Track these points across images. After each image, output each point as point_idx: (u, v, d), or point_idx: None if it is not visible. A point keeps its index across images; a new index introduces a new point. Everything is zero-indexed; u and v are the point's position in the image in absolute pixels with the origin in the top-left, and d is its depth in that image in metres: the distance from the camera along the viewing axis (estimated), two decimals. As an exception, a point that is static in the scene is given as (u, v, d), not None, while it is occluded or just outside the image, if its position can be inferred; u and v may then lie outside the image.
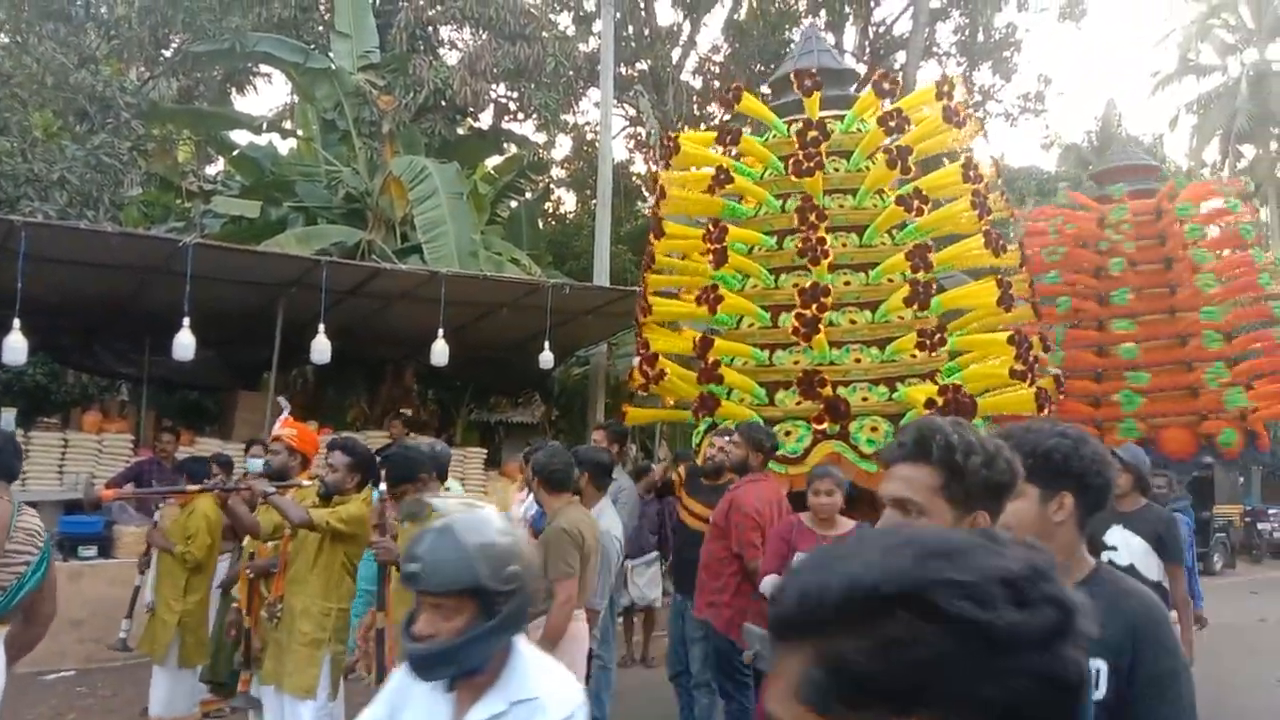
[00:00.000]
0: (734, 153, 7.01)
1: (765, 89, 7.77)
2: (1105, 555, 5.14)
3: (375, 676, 4.81)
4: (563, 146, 23.70)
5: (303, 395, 13.02)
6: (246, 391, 11.45)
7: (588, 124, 22.34)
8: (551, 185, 22.32)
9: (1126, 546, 5.29)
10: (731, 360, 6.63)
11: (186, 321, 8.45)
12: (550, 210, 23.06)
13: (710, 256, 6.47)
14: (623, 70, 20.11)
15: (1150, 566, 5.23)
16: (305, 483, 5.52)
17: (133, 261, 9.14)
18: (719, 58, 22.98)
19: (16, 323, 7.77)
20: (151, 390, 12.12)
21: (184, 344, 8.46)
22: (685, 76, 21.98)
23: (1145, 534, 5.31)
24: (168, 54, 14.13)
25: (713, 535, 5.81)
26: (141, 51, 13.18)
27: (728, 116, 7.62)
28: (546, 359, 10.57)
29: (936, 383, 6.31)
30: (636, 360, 7.06)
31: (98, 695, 7.74)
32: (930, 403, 5.99)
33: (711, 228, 6.50)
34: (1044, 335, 7.35)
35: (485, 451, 12.12)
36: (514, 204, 16.78)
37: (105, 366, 11.57)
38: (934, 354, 6.45)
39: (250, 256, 9.44)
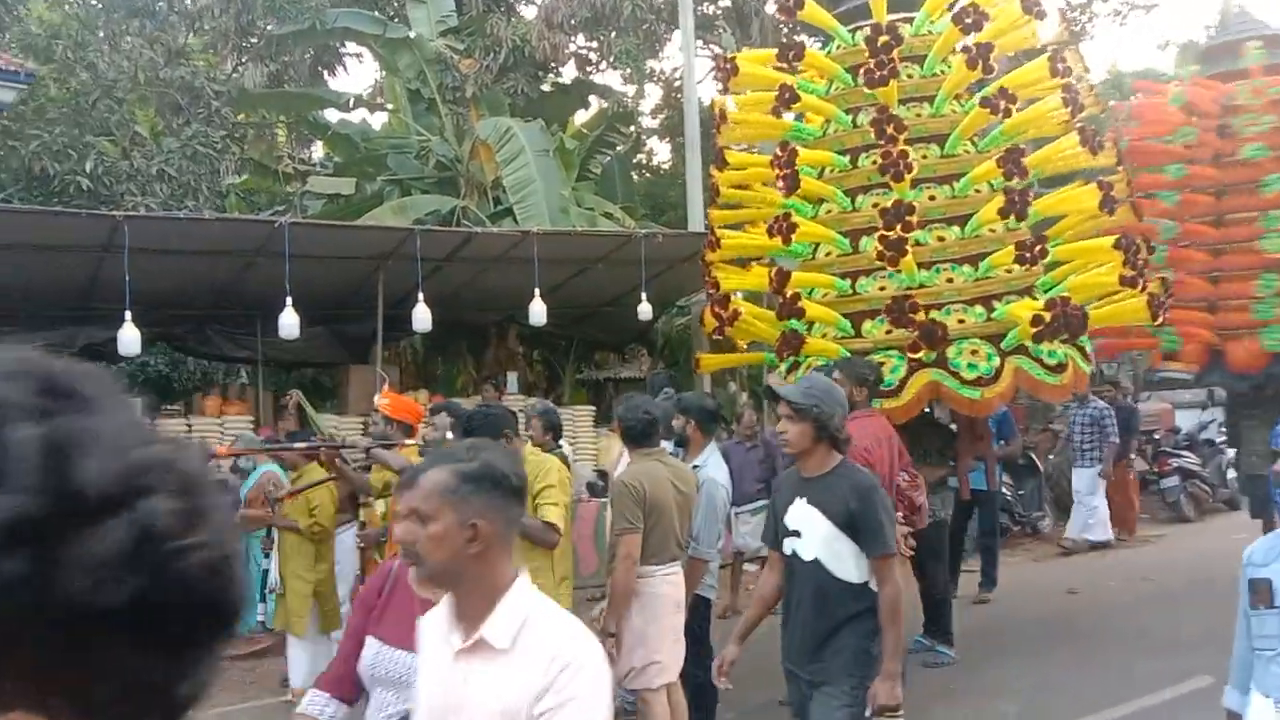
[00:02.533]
0: (797, 69, 6.66)
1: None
2: (788, 545, 3.84)
3: None
4: (653, 96, 23.36)
5: (412, 365, 13.23)
6: (357, 365, 11.64)
7: (676, 69, 21.93)
8: (642, 136, 22.04)
9: (812, 531, 3.75)
10: (812, 292, 6.35)
11: (289, 300, 8.60)
12: (644, 162, 22.80)
13: (780, 182, 6.16)
14: (704, 9, 19.64)
15: (842, 558, 3.68)
16: (409, 442, 5.58)
17: (234, 246, 9.34)
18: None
19: (128, 315, 8.00)
20: (269, 371, 12.46)
21: (289, 323, 8.62)
22: (770, 9, 21.35)
23: (832, 510, 3.70)
24: (255, 41, 14.34)
25: (823, 476, 5.63)
26: (228, 41, 13.40)
27: (788, 29, 7.24)
28: (645, 310, 10.44)
29: (1036, 298, 5.94)
30: (708, 303, 6.83)
31: (238, 668, 8.01)
32: (1037, 319, 5.65)
33: (780, 151, 6.19)
34: (1148, 237, 6.82)
35: (594, 409, 12.10)
36: (606, 158, 16.62)
37: (221, 351, 11.90)
38: (1032, 267, 6.08)
39: (344, 232, 9.57)
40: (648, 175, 21.69)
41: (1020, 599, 9.16)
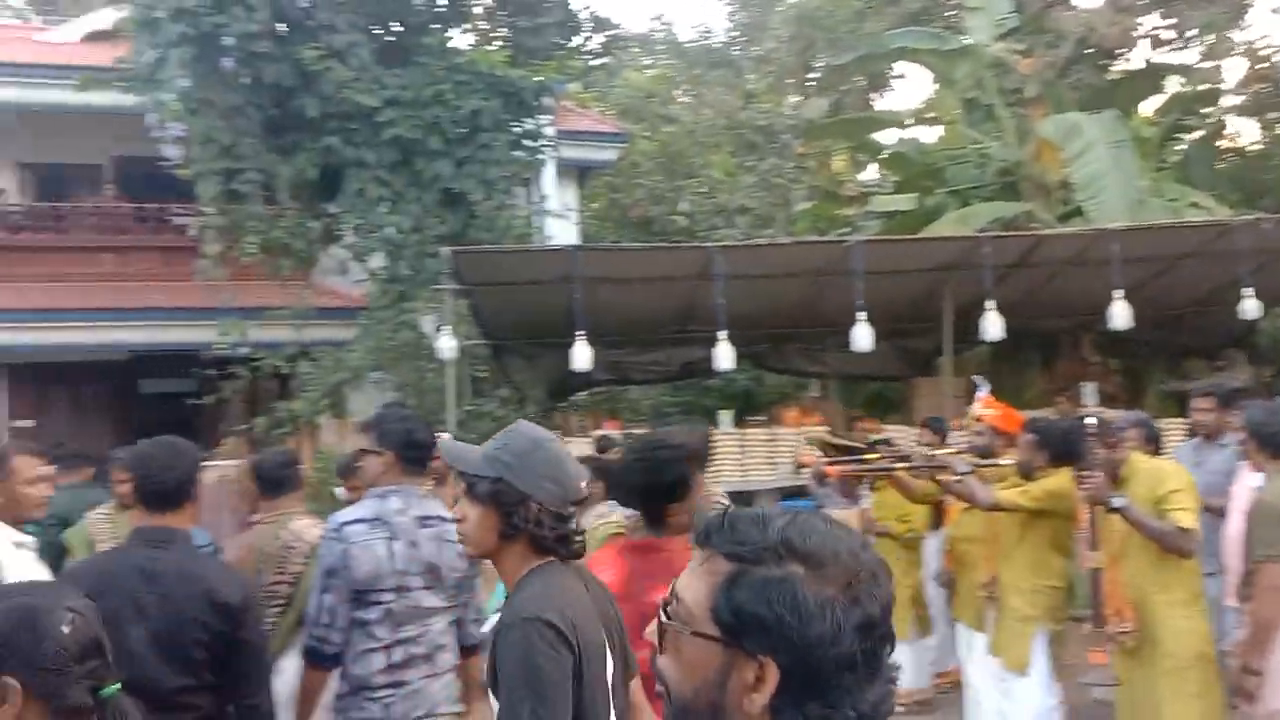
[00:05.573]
0: None
1: None
2: None
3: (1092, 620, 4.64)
4: (1233, 70, 20.70)
5: (980, 376, 13.04)
6: (921, 378, 11.76)
7: (1263, 37, 19.26)
8: (1223, 117, 19.68)
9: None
10: None
11: (862, 315, 8.94)
12: (1228, 144, 20.30)
13: None
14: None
15: None
16: (1005, 461, 5.46)
17: (806, 268, 9.95)
18: None
19: (723, 334, 8.88)
20: (837, 385, 13.05)
21: (861, 336, 8.97)
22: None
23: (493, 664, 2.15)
24: (814, 75, 15.19)
25: None
26: (792, 78, 14.36)
27: None
28: (1248, 309, 9.29)
29: None
30: None
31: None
32: None
33: None
34: None
35: (1182, 421, 10.99)
36: (1180, 144, 15.12)
37: (795, 367, 12.69)
38: None
39: (911, 245, 9.75)
40: (1234, 157, 19.26)
41: None
